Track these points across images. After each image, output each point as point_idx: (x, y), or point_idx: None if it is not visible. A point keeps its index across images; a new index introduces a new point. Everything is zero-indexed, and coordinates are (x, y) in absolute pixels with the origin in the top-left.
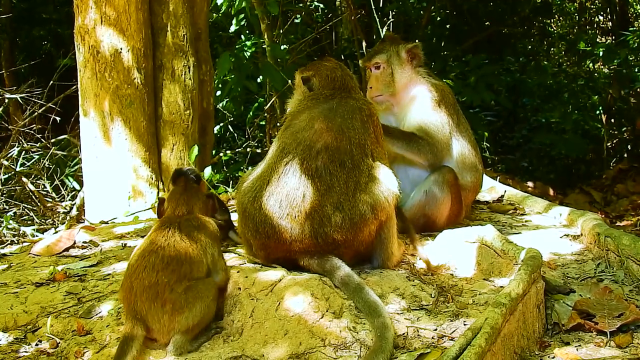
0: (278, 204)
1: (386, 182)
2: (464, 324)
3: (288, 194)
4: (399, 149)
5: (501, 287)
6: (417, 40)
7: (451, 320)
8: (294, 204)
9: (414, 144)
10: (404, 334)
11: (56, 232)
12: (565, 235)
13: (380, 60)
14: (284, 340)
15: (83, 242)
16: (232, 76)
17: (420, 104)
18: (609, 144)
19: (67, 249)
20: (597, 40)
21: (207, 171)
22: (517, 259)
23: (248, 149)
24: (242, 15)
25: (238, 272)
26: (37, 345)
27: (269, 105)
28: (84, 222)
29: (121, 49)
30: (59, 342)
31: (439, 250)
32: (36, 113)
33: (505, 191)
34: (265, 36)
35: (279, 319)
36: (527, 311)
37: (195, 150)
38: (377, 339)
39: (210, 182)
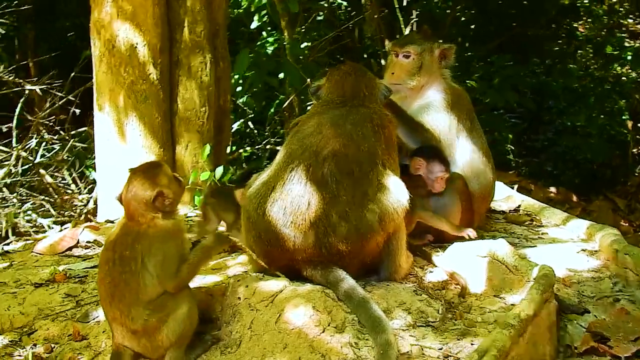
0: (282, 212)
1: (396, 192)
2: (471, 344)
3: (292, 202)
4: (401, 133)
5: (512, 304)
6: (440, 41)
7: (458, 339)
8: (298, 212)
9: (416, 134)
10: (408, 352)
11: (61, 230)
12: (582, 250)
13: (413, 51)
14: (282, 354)
15: (87, 242)
16: (252, 72)
17: (432, 103)
18: (634, 150)
19: (70, 249)
20: (626, 44)
21: (219, 171)
22: (530, 276)
23: (268, 146)
24: (264, 12)
25: (238, 280)
26: (32, 348)
27: (287, 103)
28: (96, 217)
29: (137, 43)
30: (54, 347)
31: (448, 263)
32: (56, 105)
33: (522, 201)
34: (285, 33)
35: (278, 332)
36: (538, 333)
37: (207, 149)
38: (379, 357)
39: (222, 181)
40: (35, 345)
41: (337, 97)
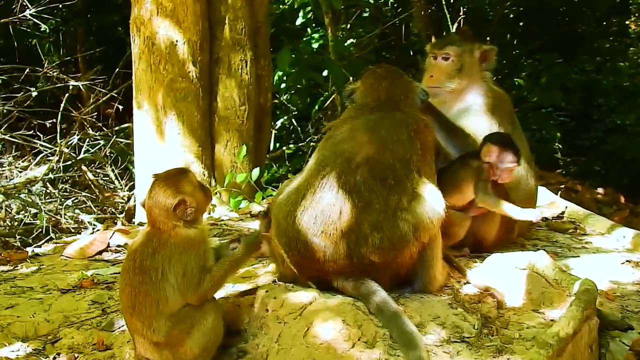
0: (312, 220)
1: (431, 201)
2: None
3: (323, 210)
4: (440, 138)
5: (552, 320)
6: (487, 39)
7: (494, 357)
8: (330, 221)
9: (455, 139)
10: None
11: (92, 233)
12: (627, 261)
13: (452, 52)
14: None
15: (117, 246)
16: (295, 69)
17: (472, 107)
18: None
19: (100, 252)
20: None
21: (255, 172)
22: (571, 291)
23: (311, 143)
24: (308, 8)
25: (267, 291)
26: (54, 358)
27: (329, 101)
28: (135, 216)
29: (177, 41)
30: (77, 356)
31: (486, 275)
32: (100, 100)
33: (566, 207)
34: (329, 30)
35: (306, 346)
36: (578, 352)
37: (244, 150)
38: None
39: (258, 182)
40: (58, 354)
41: (371, 101)
